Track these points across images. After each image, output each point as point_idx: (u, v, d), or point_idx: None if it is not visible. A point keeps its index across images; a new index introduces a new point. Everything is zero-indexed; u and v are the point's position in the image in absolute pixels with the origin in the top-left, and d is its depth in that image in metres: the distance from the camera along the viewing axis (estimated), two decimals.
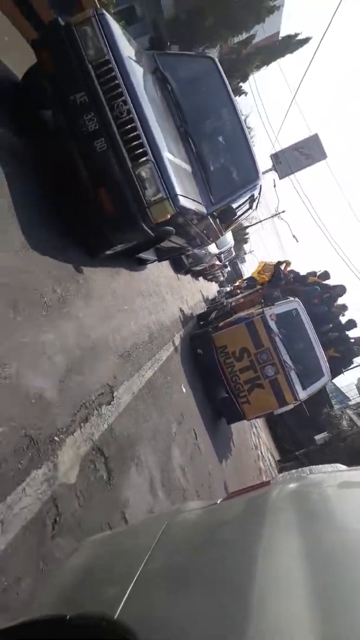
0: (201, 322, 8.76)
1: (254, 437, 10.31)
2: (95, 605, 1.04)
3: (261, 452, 10.79)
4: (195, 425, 5.05)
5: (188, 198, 3.44)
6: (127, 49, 3.33)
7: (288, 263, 11.86)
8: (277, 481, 1.70)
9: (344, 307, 11.51)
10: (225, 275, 16.39)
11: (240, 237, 24.73)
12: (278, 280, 10.83)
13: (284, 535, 1.09)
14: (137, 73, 3.34)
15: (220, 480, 5.20)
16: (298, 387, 6.92)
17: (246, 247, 34.19)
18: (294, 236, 18.88)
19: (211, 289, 15.65)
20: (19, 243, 2.51)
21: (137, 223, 3.16)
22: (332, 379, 9.09)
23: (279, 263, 11.79)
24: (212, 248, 7.63)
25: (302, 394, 7.05)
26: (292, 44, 16.76)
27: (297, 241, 19.17)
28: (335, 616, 0.76)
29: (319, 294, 10.82)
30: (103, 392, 2.93)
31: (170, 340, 5.56)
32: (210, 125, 4.33)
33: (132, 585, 0.99)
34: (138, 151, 3.08)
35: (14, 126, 3.12)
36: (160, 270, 6.94)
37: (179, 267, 8.28)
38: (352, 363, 12.39)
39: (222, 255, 9.49)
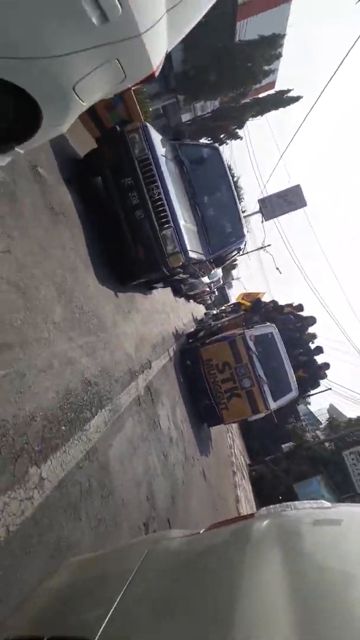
0: (190, 340, 9.63)
1: (229, 439, 11.70)
2: (75, 628, 1.03)
3: (234, 451, 12.21)
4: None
5: (194, 251, 4.95)
6: (160, 147, 4.85)
7: (262, 294, 13.60)
8: (260, 514, 1.63)
9: (313, 336, 13.10)
10: (213, 299, 18.04)
11: (229, 265, 26.58)
12: (258, 307, 12.44)
13: (266, 568, 1.08)
14: (166, 164, 4.85)
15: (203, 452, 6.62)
16: (269, 398, 7.69)
17: (234, 272, 36.18)
18: (277, 268, 20.75)
19: (200, 310, 17.40)
20: (93, 276, 3.96)
21: (160, 267, 4.65)
22: (299, 395, 10.42)
23: (261, 295, 13.50)
24: (205, 279, 9.18)
25: (273, 405, 7.83)
26: (283, 100, 18.68)
27: (280, 273, 21.02)
28: None
29: (293, 322, 12.33)
30: (148, 361, 4.79)
31: (172, 344, 7.45)
32: (212, 197, 5.89)
33: (112, 610, 0.98)
34: (163, 220, 4.58)
35: (80, 197, 4.57)
36: (164, 294, 8.42)
37: (177, 292, 9.72)
38: (319, 384, 13.94)
39: (212, 284, 11.05)
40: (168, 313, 8.24)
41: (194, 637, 0.87)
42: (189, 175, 5.48)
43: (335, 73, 11.45)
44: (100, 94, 1.83)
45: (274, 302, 13.33)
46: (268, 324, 9.04)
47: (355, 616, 0.85)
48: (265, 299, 13.62)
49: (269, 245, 21.07)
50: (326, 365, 13.21)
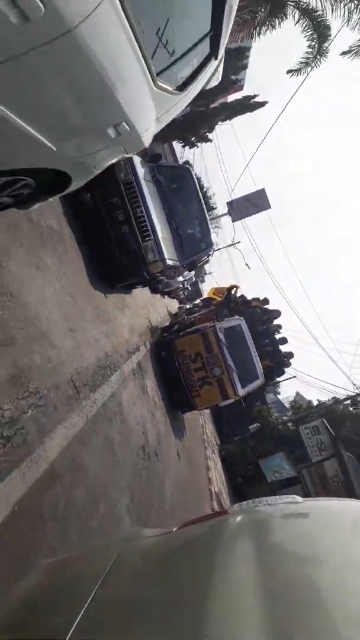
0: (164, 334, 9.92)
1: (200, 419, 12.70)
2: (44, 632, 1.02)
3: (206, 431, 13.27)
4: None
5: (170, 259, 5.81)
6: (141, 170, 5.64)
7: (237, 287, 14.32)
8: (233, 511, 1.63)
9: (278, 327, 14.12)
10: (186, 294, 19.03)
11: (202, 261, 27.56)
12: (228, 301, 13.25)
13: (238, 565, 1.08)
14: (146, 185, 5.65)
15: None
16: (238, 385, 8.24)
17: (206, 267, 37.22)
18: (246, 264, 22.19)
19: (174, 304, 18.79)
20: (87, 281, 4.74)
21: (142, 272, 5.49)
22: (265, 382, 11.17)
23: (232, 287, 14.31)
24: (179, 278, 10.06)
25: (241, 391, 8.40)
26: (250, 105, 19.58)
27: (249, 268, 22.42)
28: None
29: (259, 315, 13.30)
30: (137, 345, 6.12)
31: (155, 332, 8.63)
32: (184, 211, 6.75)
33: (82, 612, 0.97)
34: (145, 233, 5.40)
35: (71, 213, 5.32)
36: (144, 292, 9.25)
37: (154, 290, 10.48)
38: (284, 372, 15.01)
39: (185, 282, 11.93)
40: (148, 308, 9.23)
41: (164, 638, 0.87)
42: (165, 192, 6.31)
43: (299, 87, 12.35)
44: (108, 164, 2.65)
45: (242, 296, 14.23)
46: (237, 317, 9.59)
47: (325, 606, 0.87)
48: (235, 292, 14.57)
49: (238, 242, 22.23)
50: (290, 355, 14.21)
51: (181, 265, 6.52)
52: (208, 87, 2.68)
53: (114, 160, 2.60)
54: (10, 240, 3.06)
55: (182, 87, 2.23)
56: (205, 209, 7.00)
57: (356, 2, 6.94)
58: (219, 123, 20.31)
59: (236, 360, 8.33)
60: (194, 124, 19.33)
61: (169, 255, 5.77)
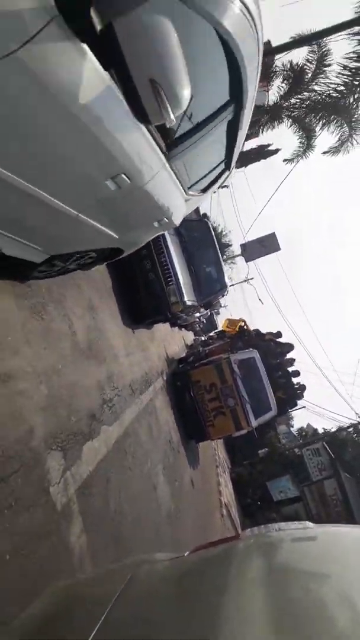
0: (180, 365, 10.25)
1: (213, 443, 13.33)
2: None
3: (218, 453, 13.99)
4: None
5: (189, 300, 6.70)
6: None
7: (241, 320, 15.05)
8: (245, 536, 1.62)
9: (291, 360, 14.53)
10: (201, 326, 19.95)
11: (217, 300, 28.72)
12: (242, 334, 13.81)
13: (250, 591, 1.07)
14: (169, 237, 6.61)
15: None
16: (251, 416, 8.40)
17: (222, 301, 38.35)
18: (259, 299, 23.45)
19: (190, 336, 20.16)
20: (121, 322, 5.62)
21: (165, 312, 6.37)
22: (278, 414, 11.20)
23: (240, 321, 15.07)
24: (196, 314, 10.98)
25: (254, 422, 8.57)
26: (264, 152, 20.99)
27: (262, 303, 23.49)
28: None
29: (273, 348, 13.61)
30: (162, 369, 7.23)
31: (172, 363, 9.54)
32: (202, 258, 7.71)
33: (93, 635, 0.98)
34: (168, 279, 6.30)
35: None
36: (164, 326, 10.08)
37: (173, 324, 11.35)
38: (296, 404, 15.40)
39: (201, 317, 12.83)
40: (169, 340, 10.31)
41: None
42: (185, 242, 7.29)
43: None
44: None
45: (256, 330, 14.55)
46: (251, 349, 9.87)
47: (336, 633, 0.87)
48: (248, 326, 15.28)
49: (252, 279, 23.34)
50: (303, 387, 14.49)
51: (199, 305, 7.43)
52: (223, 184, 3.63)
53: (152, 237, 3.52)
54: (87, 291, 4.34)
55: (204, 190, 3.16)
56: (220, 256, 7.97)
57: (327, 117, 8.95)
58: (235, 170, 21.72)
59: (249, 392, 8.49)
60: None
61: (188, 297, 6.66)
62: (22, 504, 2.07)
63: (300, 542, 1.52)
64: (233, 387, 8.23)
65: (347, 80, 8.62)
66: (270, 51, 9.04)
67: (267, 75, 9.64)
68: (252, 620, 0.94)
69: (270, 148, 21.32)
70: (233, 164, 3.25)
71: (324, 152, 11.03)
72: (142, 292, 6.27)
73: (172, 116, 1.38)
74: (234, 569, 1.24)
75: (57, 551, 2.28)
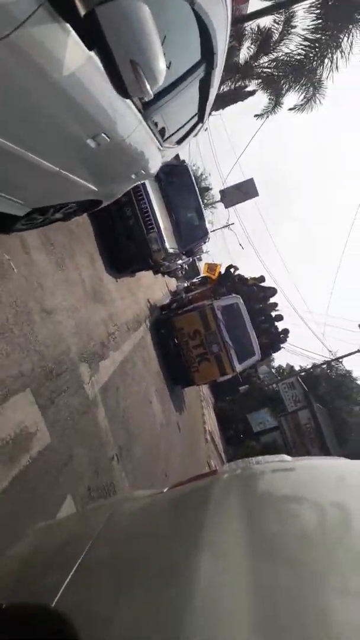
0: (163, 312, 10.19)
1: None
2: (34, 594, 1.03)
3: (202, 389, 15.28)
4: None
5: (171, 248, 6.96)
6: None
7: (236, 268, 14.59)
8: (223, 470, 1.66)
9: (274, 305, 14.90)
10: (184, 272, 20.45)
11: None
12: (225, 280, 13.42)
13: (228, 525, 1.09)
14: (149, 183, 6.73)
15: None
16: (235, 362, 8.71)
17: (204, 247, 38.40)
18: (240, 244, 23.94)
19: (173, 282, 20.89)
20: (103, 267, 5.88)
21: (146, 260, 6.64)
22: (261, 358, 11.66)
23: (230, 267, 15.03)
24: (179, 261, 11.20)
25: (238, 367, 8.91)
26: (242, 93, 20.31)
27: (243, 248, 24.37)
28: (278, 607, 0.76)
29: (256, 293, 13.51)
30: (150, 312, 8.07)
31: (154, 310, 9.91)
32: (182, 203, 7.86)
33: (71, 573, 1.00)
34: (149, 226, 6.51)
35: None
36: (148, 274, 10.27)
37: (156, 272, 11.57)
38: (279, 348, 16.00)
39: (183, 264, 13.04)
40: (153, 286, 10.79)
41: (154, 598, 0.88)
42: (165, 188, 7.41)
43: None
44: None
45: (239, 275, 13.99)
46: (234, 295, 9.95)
47: (312, 557, 0.90)
48: (236, 270, 15.18)
49: (232, 224, 23.55)
50: (286, 331, 15.05)
51: (180, 252, 7.69)
52: (196, 136, 3.83)
53: (131, 187, 3.75)
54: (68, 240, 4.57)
55: (179, 141, 3.38)
56: (200, 201, 8.12)
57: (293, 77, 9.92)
58: (212, 113, 20.99)
59: (233, 338, 8.71)
60: None
61: (170, 245, 6.91)
62: (70, 391, 3.24)
63: (278, 473, 1.58)
64: (217, 334, 8.48)
65: (307, 50, 9.66)
66: (241, 19, 10.16)
67: (238, 38, 10.41)
68: (231, 553, 0.96)
69: (247, 89, 20.55)
70: (206, 116, 3.45)
71: (290, 109, 12.04)
72: (123, 240, 6.49)
73: (150, 92, 1.62)
74: (212, 503, 1.25)
75: (92, 424, 3.52)
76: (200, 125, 3.68)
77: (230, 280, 13.16)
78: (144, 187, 6.43)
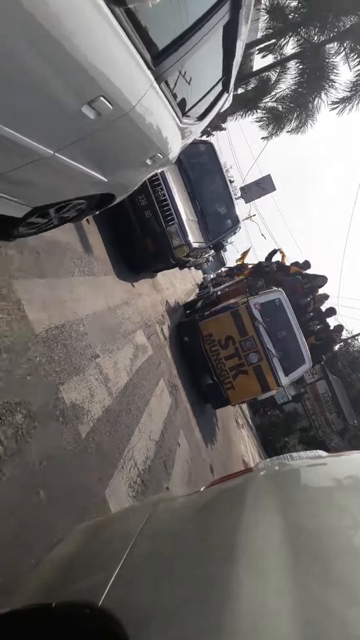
0: (187, 311, 9.82)
1: None
2: (81, 593, 1.18)
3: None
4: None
5: (196, 242, 6.68)
6: None
7: (282, 253, 12.71)
8: (259, 468, 1.85)
9: (325, 297, 12.12)
10: (208, 265, 20.91)
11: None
12: (261, 270, 11.95)
13: (265, 521, 1.22)
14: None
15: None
16: (280, 373, 7.88)
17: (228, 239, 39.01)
18: (262, 234, 27.81)
19: (199, 274, 22.91)
20: (112, 269, 5.65)
21: (167, 258, 6.38)
22: (313, 365, 10.57)
23: (273, 252, 12.75)
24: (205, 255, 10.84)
25: (285, 380, 8.06)
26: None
27: (265, 238, 25.70)
28: (316, 601, 0.87)
29: (301, 283, 11.73)
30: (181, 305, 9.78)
31: (175, 310, 9.97)
32: (208, 189, 7.56)
33: (116, 572, 1.13)
34: (169, 218, 6.24)
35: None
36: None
37: (182, 267, 11.11)
38: (332, 350, 14.26)
39: (209, 256, 12.56)
40: (180, 279, 12.05)
41: (196, 594, 0.99)
42: (187, 171, 7.13)
43: None
44: None
45: (277, 262, 12.80)
46: (274, 288, 8.97)
47: (351, 554, 1.02)
48: (284, 256, 13.01)
49: (254, 215, 25.73)
50: (339, 328, 12.80)
51: (207, 247, 7.40)
52: (222, 110, 3.54)
53: (147, 177, 3.49)
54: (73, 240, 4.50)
55: (202, 117, 3.10)
56: (229, 186, 7.80)
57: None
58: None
59: (277, 343, 8.04)
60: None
61: (194, 239, 6.63)
62: (155, 339, 6.25)
63: (314, 471, 1.76)
64: (255, 339, 7.74)
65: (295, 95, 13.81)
66: (249, 74, 13.59)
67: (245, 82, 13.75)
68: (271, 551, 1.08)
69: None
70: (232, 83, 3.16)
71: (288, 132, 14.92)
72: (138, 235, 6.24)
73: None
74: (250, 501, 1.40)
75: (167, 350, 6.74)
76: (226, 95, 3.39)
77: (267, 268, 11.83)
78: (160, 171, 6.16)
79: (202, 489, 1.87)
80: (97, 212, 3.57)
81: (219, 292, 11.20)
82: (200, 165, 7.44)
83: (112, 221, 6.12)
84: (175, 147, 3.12)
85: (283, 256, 12.30)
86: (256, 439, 20.66)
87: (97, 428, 3.21)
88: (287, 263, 12.26)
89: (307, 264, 12.34)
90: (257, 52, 13.72)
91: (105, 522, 2.21)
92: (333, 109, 13.12)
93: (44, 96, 1.61)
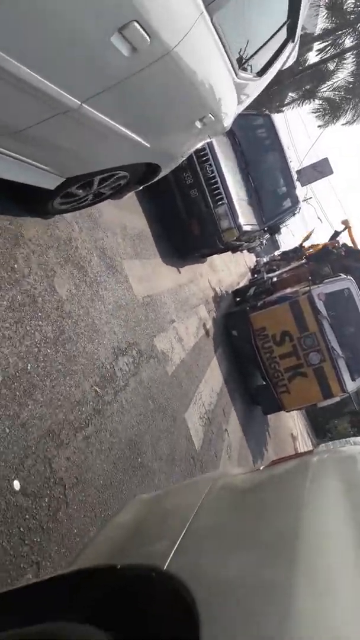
0: (237, 299, 9.21)
1: None
2: (145, 557, 1.25)
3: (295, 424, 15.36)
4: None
5: (248, 224, 6.29)
6: None
7: (349, 227, 11.04)
8: (319, 450, 1.95)
9: None
10: (262, 248, 20.69)
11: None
12: (327, 254, 10.40)
13: (327, 499, 1.30)
14: (217, 138, 6.10)
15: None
16: (346, 377, 7.06)
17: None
18: (318, 217, 26.53)
19: (252, 258, 22.35)
20: (156, 252, 5.39)
21: (215, 242, 6.04)
22: None
23: (337, 234, 11.31)
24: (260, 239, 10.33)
25: (351, 385, 7.20)
26: None
27: (321, 222, 24.42)
28: None
29: None
30: (222, 294, 8.84)
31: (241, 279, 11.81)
32: (264, 165, 7.13)
33: (180, 540, 1.20)
34: (217, 197, 5.87)
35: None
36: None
37: (234, 251, 10.57)
38: None
39: (263, 239, 12.01)
40: (229, 264, 11.80)
41: (258, 563, 1.05)
42: (240, 145, 6.73)
43: None
44: None
45: (345, 245, 10.95)
46: (342, 275, 7.96)
47: None
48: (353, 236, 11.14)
49: (310, 198, 25.40)
50: None
51: (262, 229, 6.97)
52: (285, 66, 3.15)
53: (198, 146, 3.17)
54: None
55: (262, 72, 2.74)
56: (288, 161, 7.32)
57: None
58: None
59: (343, 341, 7.16)
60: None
61: (246, 220, 6.22)
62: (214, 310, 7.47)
63: None
64: (318, 336, 6.95)
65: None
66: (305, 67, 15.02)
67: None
68: (333, 528, 1.15)
69: None
70: (298, 30, 2.77)
71: (343, 124, 16.57)
72: (183, 217, 5.91)
73: None
74: (310, 482, 1.45)
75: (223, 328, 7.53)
76: (291, 46, 3.01)
77: (334, 254, 10.34)
78: (208, 143, 5.80)
79: (261, 467, 1.96)
80: (141, 188, 3.30)
81: (275, 279, 10.22)
82: (257, 139, 7.01)
83: (156, 201, 5.83)
84: (230, 108, 2.78)
85: (350, 232, 10.84)
86: (305, 419, 20.58)
87: (177, 371, 4.62)
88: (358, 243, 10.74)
89: None
90: (315, 47, 14.63)
91: (166, 494, 2.34)
92: None
93: (61, 19, 1.32)
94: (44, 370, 2.40)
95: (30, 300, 2.49)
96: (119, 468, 2.84)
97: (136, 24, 1.41)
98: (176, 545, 1.17)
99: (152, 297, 4.55)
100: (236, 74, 2.44)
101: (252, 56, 2.50)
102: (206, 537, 1.29)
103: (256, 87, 2.91)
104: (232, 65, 2.33)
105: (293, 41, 2.79)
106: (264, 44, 2.53)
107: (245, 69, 2.52)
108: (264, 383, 7.32)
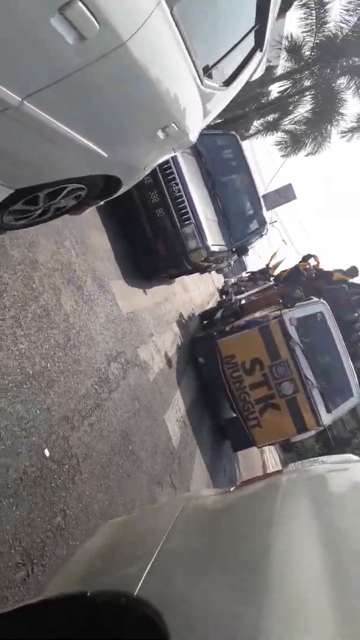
0: (204, 322, 9.23)
1: None
2: (115, 583, 1.27)
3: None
4: None
5: (216, 245, 6.23)
6: None
7: (317, 259, 11.37)
8: (289, 470, 2.02)
9: None
10: (229, 268, 21.12)
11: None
12: (297, 276, 10.51)
13: (296, 518, 1.37)
14: (183, 158, 6.06)
15: None
16: (321, 409, 6.83)
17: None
18: (283, 240, 28.28)
19: (220, 278, 22.99)
20: (118, 272, 5.25)
21: (182, 263, 5.94)
22: None
23: (308, 256, 11.40)
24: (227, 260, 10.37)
25: (327, 419, 6.96)
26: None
27: (286, 244, 28.08)
28: (350, 591, 0.98)
29: (347, 294, 10.19)
30: (193, 312, 9.59)
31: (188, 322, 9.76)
32: (231, 185, 7.14)
33: (150, 564, 1.23)
34: (184, 217, 5.80)
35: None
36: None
37: (202, 272, 10.48)
38: None
39: (231, 260, 11.97)
40: (199, 284, 12.80)
41: (229, 586, 1.08)
42: (207, 165, 6.72)
43: None
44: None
45: (316, 268, 11.22)
46: (314, 299, 7.72)
47: None
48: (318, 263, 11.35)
49: (275, 222, 26.85)
50: None
51: (229, 250, 6.94)
52: (252, 78, 3.10)
53: (162, 160, 3.06)
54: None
55: (229, 82, 2.66)
56: (255, 182, 7.37)
57: None
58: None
59: (318, 370, 6.92)
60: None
61: (214, 241, 6.17)
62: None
63: (343, 474, 1.91)
64: (290, 364, 6.66)
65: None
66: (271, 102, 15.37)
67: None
68: (302, 544, 1.21)
69: None
70: (266, 40, 2.72)
71: (305, 155, 16.54)
72: (149, 237, 5.80)
73: None
74: (279, 501, 1.53)
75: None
76: (259, 55, 2.95)
77: (304, 276, 10.44)
78: (174, 161, 5.74)
79: (232, 489, 2.05)
80: (102, 203, 3.16)
81: (244, 301, 10.09)
82: (223, 159, 7.04)
83: (119, 218, 5.72)
84: (195, 119, 2.69)
85: (318, 263, 11.05)
86: None
87: (157, 379, 5.34)
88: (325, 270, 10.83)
89: (354, 271, 10.72)
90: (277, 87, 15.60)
91: (136, 518, 2.45)
92: (342, 137, 15.37)
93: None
94: (58, 369, 3.08)
95: (45, 313, 3.16)
96: (116, 451, 3.57)
97: (80, 4, 1.26)
98: (147, 570, 1.20)
99: (135, 313, 5.34)
100: (201, 81, 2.34)
101: (218, 62, 2.42)
102: (177, 561, 1.34)
103: (223, 99, 2.83)
104: (197, 70, 2.22)
105: (261, 50, 2.73)
106: (231, 49, 2.46)
107: (210, 76, 2.42)
108: (234, 415, 7.06)
